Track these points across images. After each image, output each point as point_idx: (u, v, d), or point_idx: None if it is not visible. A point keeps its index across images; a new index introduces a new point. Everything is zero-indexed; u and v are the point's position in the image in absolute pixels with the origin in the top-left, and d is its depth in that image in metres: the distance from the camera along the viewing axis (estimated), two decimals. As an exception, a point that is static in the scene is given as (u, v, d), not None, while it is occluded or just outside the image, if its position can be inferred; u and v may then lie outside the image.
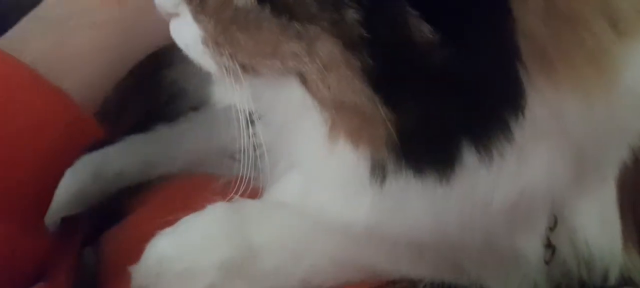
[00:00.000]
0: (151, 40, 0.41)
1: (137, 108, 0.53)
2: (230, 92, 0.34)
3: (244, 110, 0.35)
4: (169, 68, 0.49)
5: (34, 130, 0.36)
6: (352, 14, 0.27)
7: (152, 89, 0.51)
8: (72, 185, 0.48)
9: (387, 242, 0.36)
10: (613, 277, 0.40)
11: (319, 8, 0.28)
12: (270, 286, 0.36)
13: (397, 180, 0.32)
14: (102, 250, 0.44)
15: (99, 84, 0.40)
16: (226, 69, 0.32)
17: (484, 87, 0.30)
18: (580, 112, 0.33)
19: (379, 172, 0.32)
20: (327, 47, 0.29)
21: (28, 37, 0.39)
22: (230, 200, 0.36)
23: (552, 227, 0.39)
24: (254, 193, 0.38)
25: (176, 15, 0.33)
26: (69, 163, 0.41)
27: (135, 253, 0.35)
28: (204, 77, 0.39)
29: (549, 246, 0.38)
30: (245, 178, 0.36)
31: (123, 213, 0.46)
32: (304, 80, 0.31)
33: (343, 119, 0.32)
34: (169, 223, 0.36)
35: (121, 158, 0.50)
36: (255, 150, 0.36)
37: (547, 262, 0.38)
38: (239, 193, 0.36)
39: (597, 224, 0.40)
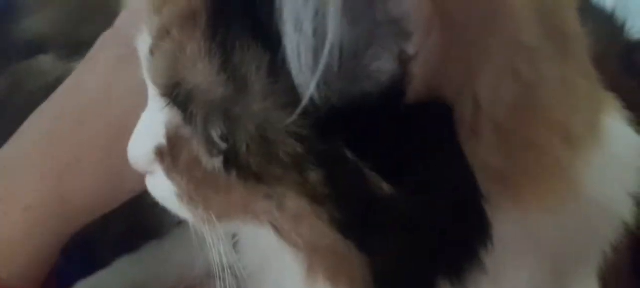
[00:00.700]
0: (93, 212, 0.40)
1: (119, 226, 0.52)
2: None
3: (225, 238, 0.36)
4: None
5: None
6: (313, 175, 0.28)
7: (133, 209, 0.50)
8: None
9: None
10: None
11: (283, 171, 0.28)
12: None
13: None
14: None
15: (37, 271, 0.38)
16: (202, 219, 0.33)
17: (449, 228, 0.30)
18: (551, 227, 0.33)
19: (361, 309, 0.33)
20: (296, 204, 0.29)
21: None
22: None
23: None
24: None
25: (151, 172, 0.34)
26: None
27: None
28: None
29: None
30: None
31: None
32: (277, 230, 0.32)
33: (320, 260, 0.32)
34: None
35: (112, 285, 0.50)
36: (238, 274, 0.37)
37: None
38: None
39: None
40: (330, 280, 0.32)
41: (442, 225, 0.30)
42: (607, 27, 0.54)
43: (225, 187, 0.30)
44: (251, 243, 0.39)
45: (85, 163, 0.39)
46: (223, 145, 0.29)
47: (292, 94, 0.27)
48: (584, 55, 0.35)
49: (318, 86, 0.25)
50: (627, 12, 0.54)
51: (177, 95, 0.29)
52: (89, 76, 0.41)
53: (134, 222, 0.53)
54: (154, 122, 0.32)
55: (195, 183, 0.32)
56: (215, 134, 0.29)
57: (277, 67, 0.26)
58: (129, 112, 0.34)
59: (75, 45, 0.47)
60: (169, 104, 0.30)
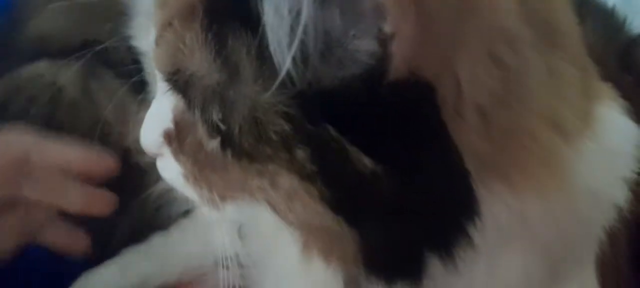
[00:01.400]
0: None
1: (127, 221, 0.53)
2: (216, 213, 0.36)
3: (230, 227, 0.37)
4: (155, 184, 0.50)
5: None
6: (300, 153, 0.29)
7: (139, 203, 0.52)
8: None
9: None
10: None
11: (272, 150, 0.30)
12: None
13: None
14: None
15: None
16: (206, 199, 0.35)
17: (436, 203, 0.31)
18: (542, 214, 0.34)
19: (352, 286, 0.34)
20: (287, 181, 0.31)
21: None
22: None
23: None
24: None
25: (161, 154, 0.36)
26: None
27: None
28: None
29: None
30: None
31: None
32: (273, 207, 0.33)
33: (314, 237, 0.34)
34: None
35: (118, 277, 0.51)
36: (243, 263, 0.39)
37: None
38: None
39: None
40: (323, 257, 0.34)
41: (428, 201, 0.31)
42: (607, 23, 0.54)
43: (223, 166, 0.32)
44: (254, 233, 0.40)
45: None
46: (221, 127, 0.31)
47: (277, 76, 0.28)
48: (575, 45, 0.36)
49: (295, 63, 0.27)
50: (627, 10, 0.54)
51: (177, 80, 0.31)
52: None
53: (140, 221, 0.54)
54: (162, 108, 0.34)
55: (199, 164, 0.34)
56: (213, 117, 0.31)
57: (264, 50, 0.28)
58: None
59: (79, 48, 0.47)
60: (170, 89, 0.32)
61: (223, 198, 0.35)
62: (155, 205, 0.52)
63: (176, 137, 0.35)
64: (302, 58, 0.27)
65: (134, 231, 0.52)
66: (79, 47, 0.47)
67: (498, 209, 0.32)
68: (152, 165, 0.37)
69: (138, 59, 0.50)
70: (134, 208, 0.51)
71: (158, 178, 0.47)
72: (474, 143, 0.31)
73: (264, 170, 0.31)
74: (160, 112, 0.35)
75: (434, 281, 0.33)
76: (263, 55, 0.28)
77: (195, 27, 0.30)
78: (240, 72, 0.29)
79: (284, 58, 0.27)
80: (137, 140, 0.36)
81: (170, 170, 0.36)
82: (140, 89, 0.45)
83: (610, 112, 0.38)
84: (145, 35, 0.33)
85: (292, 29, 0.26)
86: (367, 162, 0.29)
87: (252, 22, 0.28)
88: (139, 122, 0.35)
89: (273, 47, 0.27)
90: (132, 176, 0.48)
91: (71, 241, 0.45)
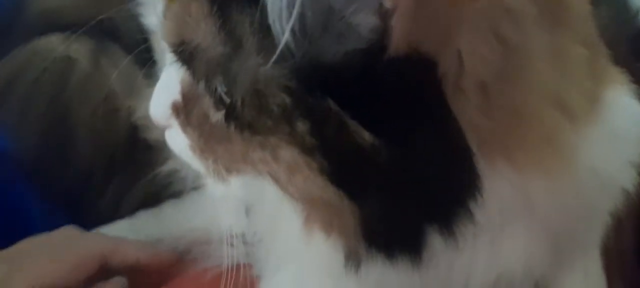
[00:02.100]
0: None
1: (136, 194, 0.53)
2: (222, 187, 0.37)
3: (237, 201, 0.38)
4: (163, 164, 0.51)
5: None
6: (300, 126, 0.29)
7: (148, 181, 0.52)
8: None
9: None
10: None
11: (273, 122, 0.30)
12: None
13: (372, 266, 0.34)
14: None
15: None
16: (212, 171, 0.36)
17: (436, 177, 0.31)
18: (546, 194, 0.33)
19: (352, 259, 0.34)
20: (288, 153, 0.31)
21: None
22: None
23: (541, 300, 0.39)
24: (252, 283, 0.40)
25: (169, 126, 0.37)
26: None
27: None
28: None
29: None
30: (241, 267, 0.38)
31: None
32: (275, 180, 0.33)
33: (314, 211, 0.34)
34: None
35: (128, 234, 0.51)
36: (248, 240, 0.39)
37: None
38: (237, 281, 0.38)
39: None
40: (324, 230, 0.34)
41: (429, 175, 0.30)
42: (621, 10, 0.53)
43: (227, 138, 0.32)
44: (260, 210, 0.41)
45: None
46: (226, 99, 0.31)
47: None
48: (583, 26, 0.35)
49: (295, 36, 0.27)
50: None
51: (182, 52, 0.31)
52: None
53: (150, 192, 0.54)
54: (170, 80, 0.35)
55: (204, 136, 0.34)
56: (217, 89, 0.31)
57: (266, 24, 0.28)
58: None
59: (86, 24, 0.48)
60: (177, 61, 0.32)
61: (228, 170, 0.35)
62: (164, 182, 0.52)
63: (184, 109, 0.35)
64: (302, 31, 0.27)
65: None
66: (89, 23, 0.48)
67: (501, 186, 0.32)
68: (161, 142, 0.38)
69: (147, 37, 0.50)
70: (141, 186, 0.52)
71: (167, 156, 0.49)
72: (475, 119, 0.30)
73: (266, 142, 0.31)
74: (168, 85, 0.35)
75: (434, 256, 0.33)
76: (265, 29, 0.28)
77: (200, -2, 0.30)
78: (243, 45, 0.29)
79: (283, 30, 0.27)
80: (146, 117, 0.36)
81: (178, 141, 0.36)
82: (149, 67, 0.45)
83: (620, 96, 0.37)
84: (154, 11, 0.34)
85: (292, 1, 0.26)
86: (366, 135, 0.29)
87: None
88: (148, 98, 0.36)
89: (272, 18, 0.27)
90: (140, 152, 0.48)
91: None
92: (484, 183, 0.31)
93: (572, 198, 0.35)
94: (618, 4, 0.53)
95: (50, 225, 0.47)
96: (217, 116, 0.32)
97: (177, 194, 0.52)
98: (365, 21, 0.27)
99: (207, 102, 0.33)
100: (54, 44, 0.53)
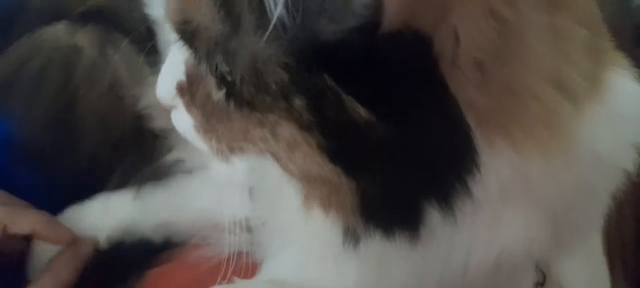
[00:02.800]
0: None
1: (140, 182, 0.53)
2: (225, 168, 0.37)
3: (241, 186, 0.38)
4: (168, 152, 0.51)
5: None
6: (298, 102, 0.30)
7: (153, 169, 0.52)
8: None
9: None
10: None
11: (271, 99, 0.30)
12: None
13: (370, 243, 0.34)
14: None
15: None
16: (216, 150, 0.36)
17: (433, 153, 0.31)
18: (545, 174, 0.33)
19: (350, 236, 0.34)
20: (287, 130, 0.31)
21: None
22: (229, 281, 0.38)
23: (542, 282, 0.39)
24: (254, 267, 0.40)
25: (175, 106, 0.37)
26: None
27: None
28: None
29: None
30: (244, 252, 0.39)
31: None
32: (276, 158, 0.33)
33: (313, 188, 0.34)
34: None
35: (133, 200, 0.52)
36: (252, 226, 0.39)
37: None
38: (239, 268, 0.38)
39: (586, 284, 0.39)
40: (322, 207, 0.34)
41: (426, 151, 0.30)
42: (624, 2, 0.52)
43: (227, 116, 0.32)
44: (263, 193, 0.41)
45: None
46: (227, 78, 0.32)
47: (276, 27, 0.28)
48: (585, 9, 0.35)
49: (289, 12, 0.27)
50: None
51: (185, 31, 0.32)
52: None
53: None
54: (176, 61, 0.35)
55: (207, 115, 0.34)
56: (219, 68, 0.32)
57: (264, 1, 0.29)
58: None
59: (90, 12, 0.49)
60: (180, 40, 0.33)
61: (231, 149, 0.35)
62: (169, 171, 0.53)
63: (188, 89, 0.35)
64: (295, 6, 0.27)
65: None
66: (95, 12, 0.49)
67: (500, 164, 0.32)
68: (166, 131, 0.38)
69: (151, 27, 0.50)
70: (146, 174, 0.52)
71: (172, 145, 0.49)
72: (473, 97, 0.30)
73: (265, 119, 0.31)
74: (174, 65, 0.36)
75: (433, 233, 0.33)
76: (263, 7, 0.29)
77: (200, -23, 0.31)
78: (241, 23, 0.30)
79: (276, 5, 0.27)
80: (150, 106, 0.37)
81: (184, 122, 0.36)
82: (153, 56, 0.45)
83: (621, 78, 0.36)
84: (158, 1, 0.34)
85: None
86: (362, 111, 0.29)
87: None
88: (152, 87, 0.36)
89: (265, -6, 0.27)
90: (145, 141, 0.49)
91: None
92: (483, 161, 0.31)
93: (572, 179, 0.34)
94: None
95: (54, 211, 0.49)
96: (219, 95, 0.33)
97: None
98: (356, -4, 0.28)
99: (210, 82, 0.33)
100: (60, 33, 0.53)
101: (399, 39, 0.28)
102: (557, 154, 0.33)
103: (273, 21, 0.27)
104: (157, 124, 0.50)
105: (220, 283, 0.38)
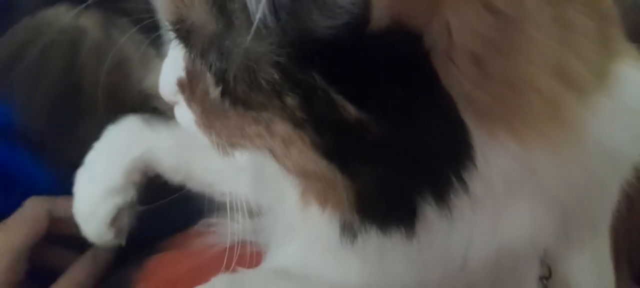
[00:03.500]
0: None
1: None
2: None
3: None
4: None
5: None
6: (290, 100, 0.29)
7: None
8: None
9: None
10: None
11: (265, 98, 0.30)
12: None
13: (369, 239, 0.33)
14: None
15: None
16: (217, 145, 0.36)
17: (427, 149, 0.30)
18: (552, 168, 0.32)
19: (348, 232, 0.34)
20: (281, 128, 0.31)
21: None
22: (232, 271, 0.38)
23: (547, 276, 0.38)
24: (258, 255, 0.40)
25: (177, 102, 0.37)
26: None
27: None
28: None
29: (546, 294, 0.37)
30: (248, 241, 0.39)
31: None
32: (272, 154, 0.33)
33: (310, 184, 0.34)
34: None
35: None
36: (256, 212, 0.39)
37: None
38: (242, 256, 0.38)
39: (592, 282, 0.38)
40: (319, 203, 0.34)
41: (419, 148, 0.30)
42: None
43: (224, 113, 0.32)
44: (267, 182, 0.41)
45: None
46: (222, 76, 0.32)
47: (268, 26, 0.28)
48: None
49: (274, 11, 0.26)
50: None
51: (180, 30, 0.32)
52: None
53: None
54: (176, 57, 0.35)
55: (206, 111, 0.34)
56: (214, 66, 0.31)
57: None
58: None
59: None
60: (176, 39, 0.33)
61: (231, 144, 0.35)
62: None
63: (188, 85, 0.35)
64: (279, 4, 0.27)
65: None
66: None
67: (503, 159, 0.31)
68: (172, 109, 0.38)
69: (154, 14, 0.49)
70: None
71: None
72: (469, 92, 0.29)
73: (259, 117, 0.31)
74: (174, 62, 0.35)
75: (430, 227, 0.32)
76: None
77: (194, -23, 0.30)
78: (234, 22, 0.29)
79: (257, 6, 0.26)
80: (154, 86, 0.37)
81: (185, 117, 0.36)
82: (157, 42, 0.45)
83: (632, 70, 0.35)
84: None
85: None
86: (351, 110, 0.29)
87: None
88: (156, 70, 0.36)
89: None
90: (152, 120, 0.49)
91: None
92: (485, 154, 0.31)
93: (580, 171, 0.33)
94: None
95: (57, 193, 0.49)
96: (215, 92, 0.32)
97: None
98: (344, -6, 0.27)
99: (207, 79, 0.33)
100: (61, 14, 0.52)
101: (388, 36, 0.28)
102: (564, 147, 0.32)
103: (255, 21, 0.27)
104: (162, 103, 0.49)
105: (224, 272, 0.38)
